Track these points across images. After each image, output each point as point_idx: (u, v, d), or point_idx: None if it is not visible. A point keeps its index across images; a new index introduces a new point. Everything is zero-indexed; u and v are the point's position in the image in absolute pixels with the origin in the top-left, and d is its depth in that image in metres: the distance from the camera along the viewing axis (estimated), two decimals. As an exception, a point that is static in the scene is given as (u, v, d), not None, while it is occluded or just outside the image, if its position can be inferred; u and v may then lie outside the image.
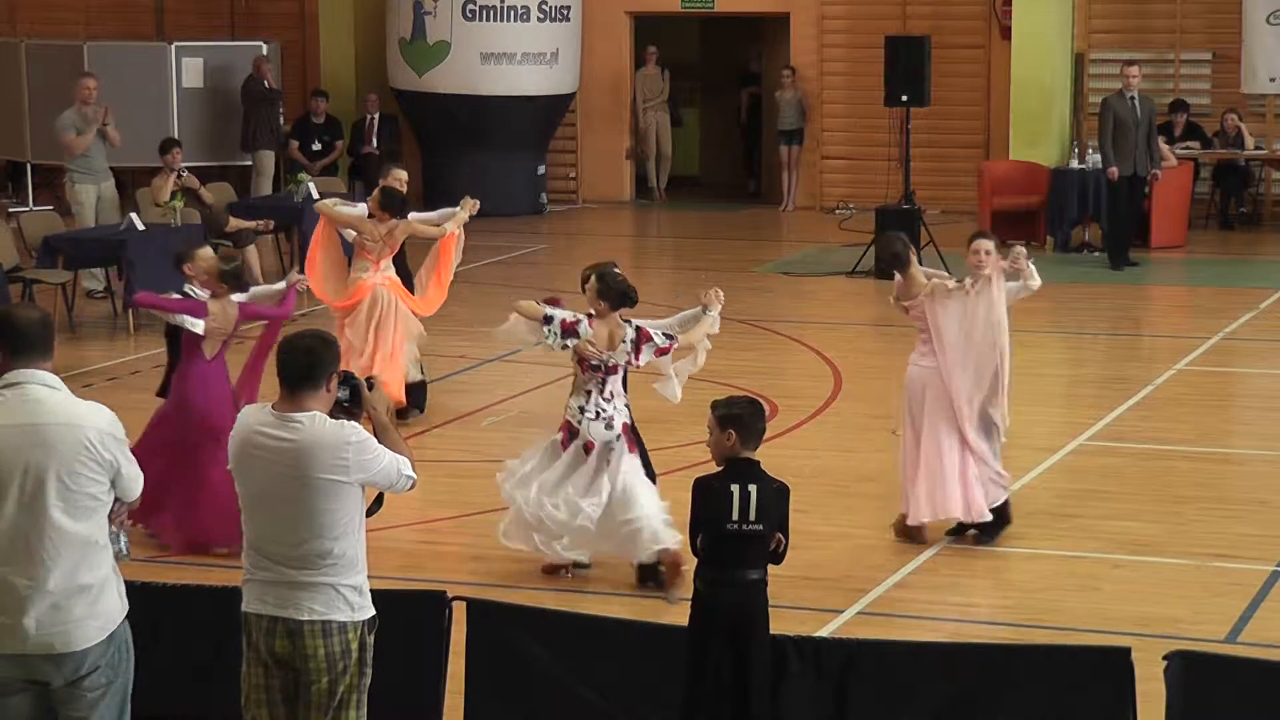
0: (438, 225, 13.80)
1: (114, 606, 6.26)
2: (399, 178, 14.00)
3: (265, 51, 23.47)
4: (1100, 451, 12.83)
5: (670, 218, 25.05)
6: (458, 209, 13.88)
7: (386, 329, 13.28)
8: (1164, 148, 21.40)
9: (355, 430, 6.36)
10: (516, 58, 23.94)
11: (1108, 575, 10.24)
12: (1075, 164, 21.70)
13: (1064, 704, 7.18)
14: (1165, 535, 10.93)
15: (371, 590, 6.43)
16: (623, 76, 25.78)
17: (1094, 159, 21.22)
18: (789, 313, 18.07)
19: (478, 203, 14.03)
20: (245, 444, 6.41)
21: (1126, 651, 7.15)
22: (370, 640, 6.44)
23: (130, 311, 16.90)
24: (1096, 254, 21.09)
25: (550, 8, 24.14)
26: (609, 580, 10.08)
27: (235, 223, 18.77)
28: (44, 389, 6.19)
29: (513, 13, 23.89)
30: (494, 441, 12.95)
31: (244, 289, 10.87)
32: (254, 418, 6.42)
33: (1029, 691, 7.25)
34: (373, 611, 6.43)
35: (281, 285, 11.31)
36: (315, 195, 19.79)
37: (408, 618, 7.55)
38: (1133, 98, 20.46)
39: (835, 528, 10.88)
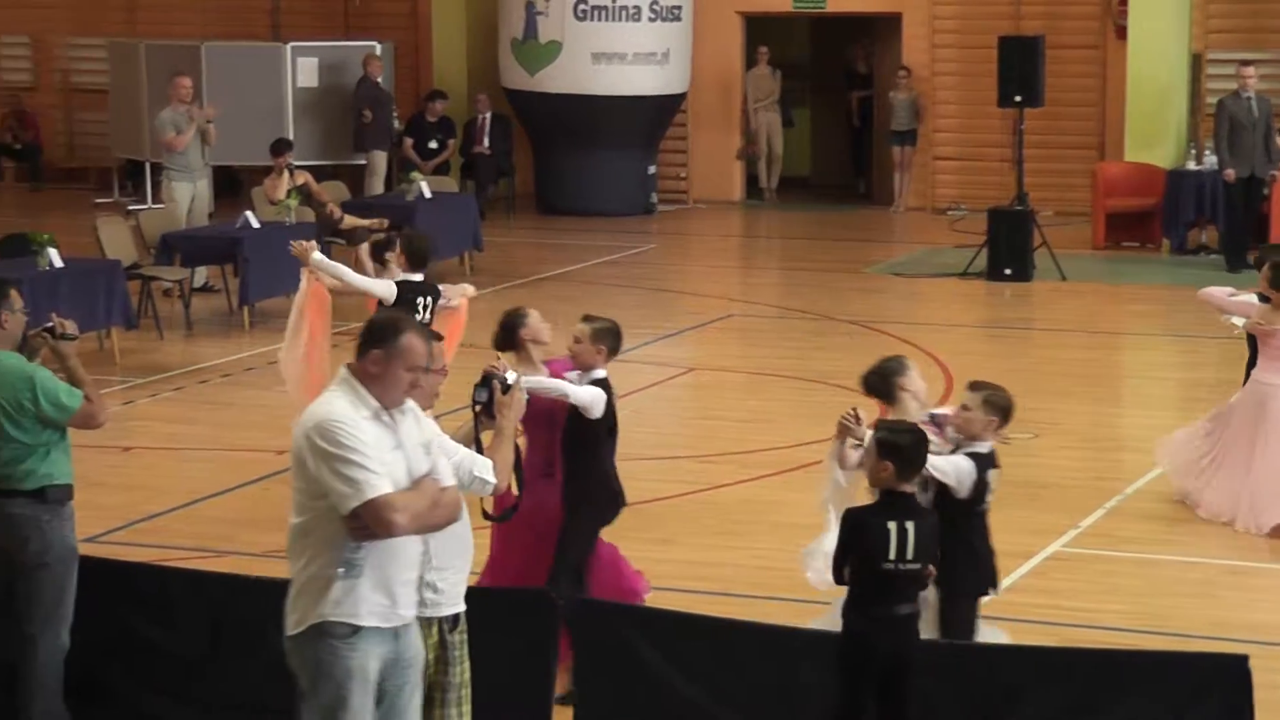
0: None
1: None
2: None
3: (378, 51, 23.64)
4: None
5: (780, 218, 25.00)
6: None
7: None
8: (1287, 147, 21.16)
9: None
10: (628, 58, 23.97)
11: (1225, 581, 10.13)
12: (1191, 165, 21.47)
13: (1179, 712, 7.10)
14: (1282, 541, 10.79)
15: (478, 590, 6.48)
16: (733, 76, 25.75)
17: (1210, 160, 20.98)
18: (900, 314, 17.99)
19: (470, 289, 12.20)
20: None
21: (1244, 659, 7.06)
22: (455, 638, 6.52)
23: (245, 308, 17.08)
24: (1213, 256, 20.85)
25: (661, 7, 24.15)
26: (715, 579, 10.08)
27: (350, 221, 18.93)
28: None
29: (624, 12, 23.92)
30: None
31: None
32: None
33: (1142, 699, 7.17)
34: (456, 609, 6.53)
35: None
36: (428, 194, 19.97)
37: (512, 619, 7.56)
38: (1249, 98, 20.21)
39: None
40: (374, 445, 6.03)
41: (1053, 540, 10.66)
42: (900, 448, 6.99)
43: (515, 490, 6.95)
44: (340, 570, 6.06)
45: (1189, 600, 9.81)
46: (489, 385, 6.57)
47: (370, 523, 6.00)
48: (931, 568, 7.04)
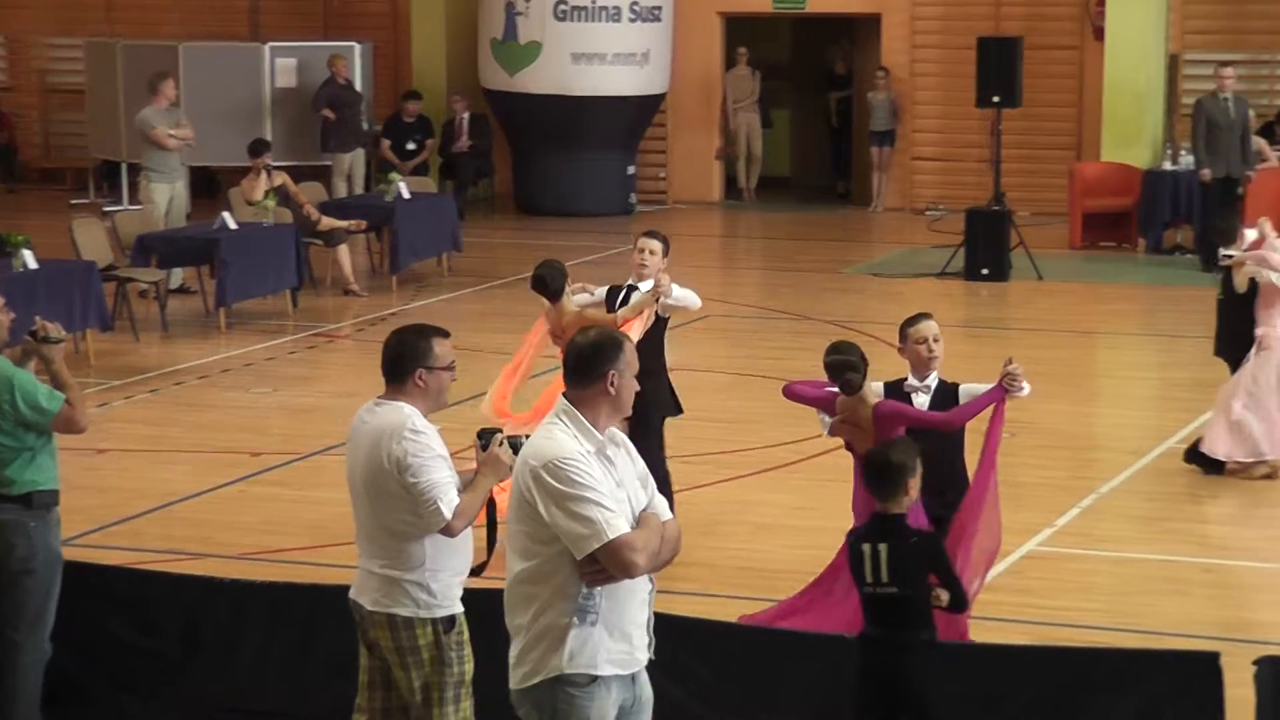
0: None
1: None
2: (644, 248, 10.55)
3: (357, 52, 23.62)
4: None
5: (759, 219, 25.02)
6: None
7: None
8: (1264, 146, 21.23)
9: (415, 423, 6.43)
10: (608, 58, 23.98)
11: (1197, 580, 10.16)
12: (1168, 166, 21.54)
13: (1151, 709, 7.13)
14: (1255, 539, 10.84)
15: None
16: (713, 77, 25.77)
17: (1187, 161, 21.04)
18: (879, 314, 17.98)
19: (668, 283, 10.41)
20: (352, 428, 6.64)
21: (1215, 656, 7.09)
22: (451, 639, 6.49)
23: (221, 310, 17.06)
24: (1188, 256, 20.91)
25: (641, 8, 24.17)
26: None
27: (328, 222, 18.91)
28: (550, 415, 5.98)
29: (604, 13, 23.93)
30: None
31: (847, 391, 8.33)
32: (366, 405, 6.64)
33: (1116, 696, 7.20)
34: (450, 610, 6.49)
35: (984, 387, 8.49)
36: (406, 195, 19.95)
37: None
38: (1227, 99, 20.27)
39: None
40: (604, 482, 5.75)
41: (1029, 539, 10.68)
42: (868, 475, 6.98)
43: (486, 554, 6.82)
44: (575, 619, 5.77)
45: (1163, 598, 9.85)
46: (483, 439, 6.51)
47: (610, 565, 5.71)
48: (942, 594, 6.95)
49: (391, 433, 6.42)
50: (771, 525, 11.23)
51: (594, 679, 5.81)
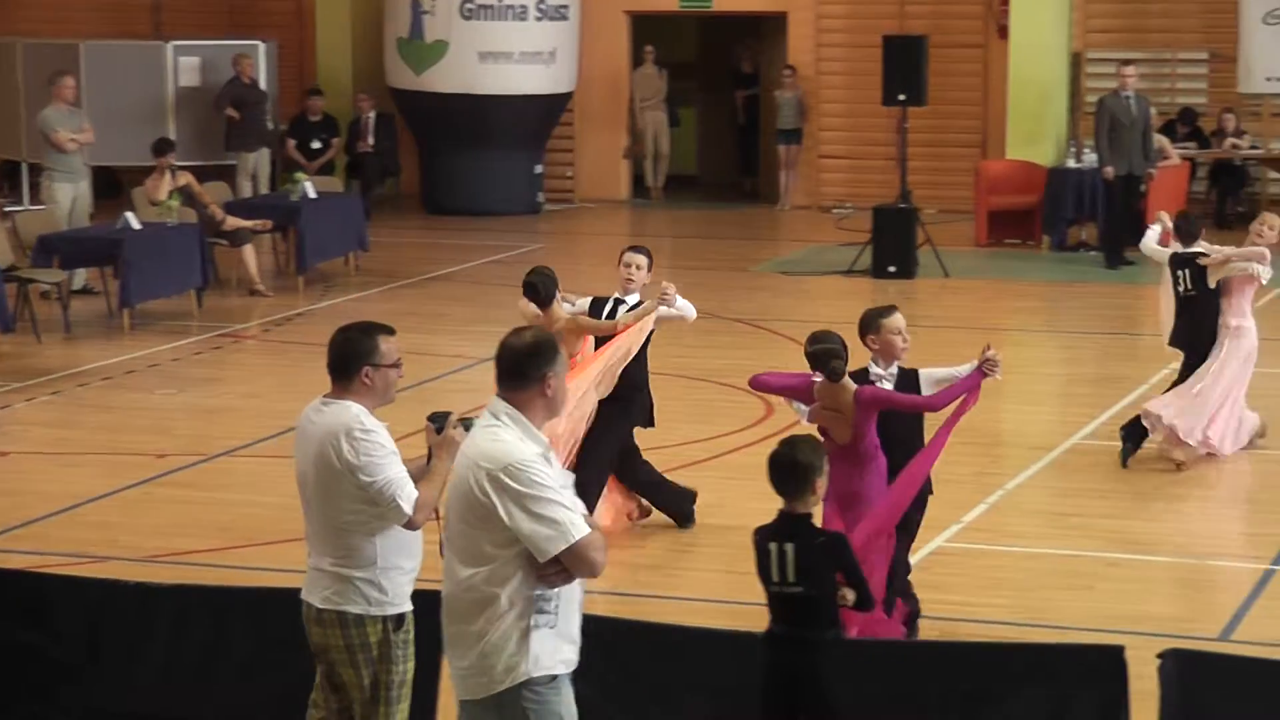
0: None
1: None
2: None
3: (261, 51, 23.45)
4: (1095, 450, 12.82)
5: (667, 217, 25.04)
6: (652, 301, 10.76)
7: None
8: (1166, 144, 21.46)
9: (364, 421, 6.39)
10: (514, 56, 23.94)
11: (1102, 574, 10.24)
12: (1072, 163, 21.72)
13: (1058, 703, 7.16)
14: (1160, 534, 10.94)
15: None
16: (620, 75, 25.78)
17: (1090, 158, 21.23)
18: (787, 312, 18.06)
19: (672, 291, 10.72)
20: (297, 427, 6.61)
21: (1120, 650, 7.14)
22: (399, 637, 6.48)
23: (125, 311, 16.90)
24: (1092, 253, 21.10)
25: (548, 7, 24.13)
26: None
27: (233, 221, 18.77)
28: (489, 417, 5.85)
29: (510, 12, 23.89)
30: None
31: (832, 377, 8.60)
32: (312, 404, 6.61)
33: (1023, 691, 7.23)
34: (401, 609, 6.48)
35: (964, 369, 8.83)
36: (312, 194, 19.83)
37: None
38: (1129, 97, 20.47)
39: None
40: (557, 483, 5.71)
41: (936, 535, 10.73)
42: (772, 474, 6.94)
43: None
44: (535, 621, 5.71)
45: (1069, 593, 9.92)
46: (437, 420, 6.47)
47: (574, 565, 5.67)
48: (848, 593, 6.95)
49: (341, 432, 6.40)
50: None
51: (554, 678, 5.80)
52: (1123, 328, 17.91)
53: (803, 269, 20.43)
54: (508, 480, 5.65)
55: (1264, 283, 12.36)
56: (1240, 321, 12.26)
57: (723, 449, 12.40)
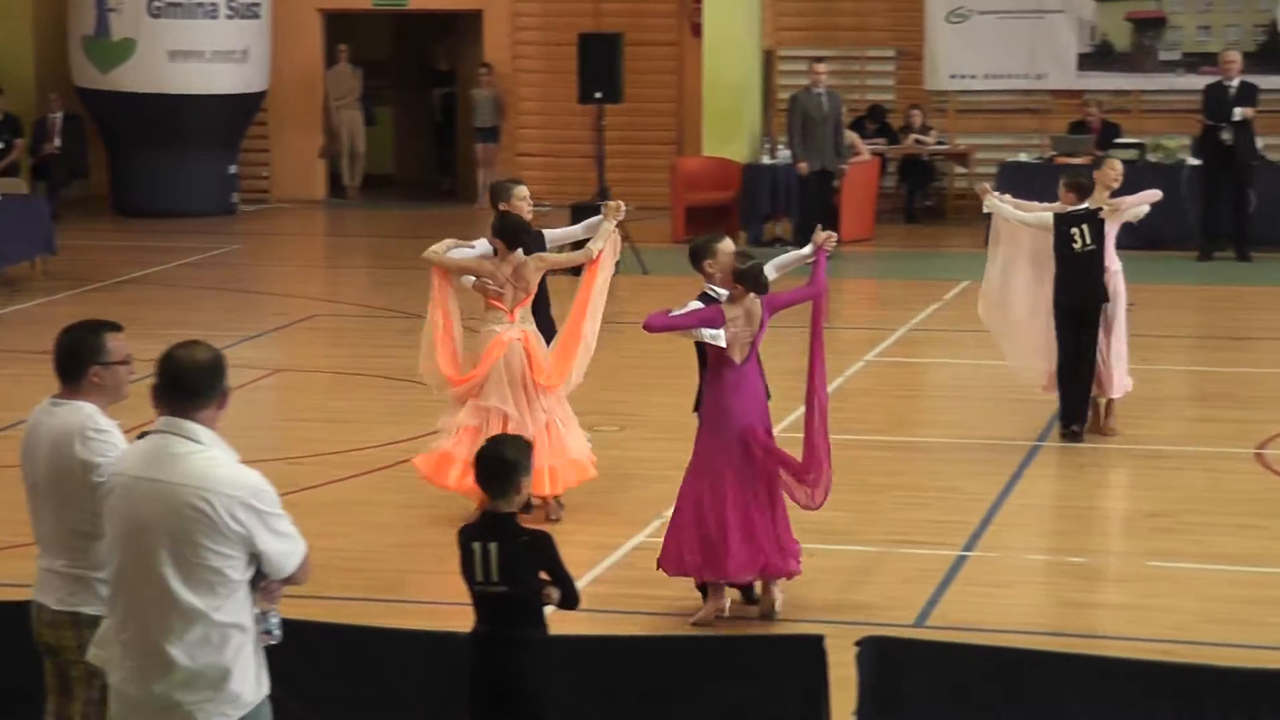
0: (580, 248, 11.43)
1: (246, 689, 5.66)
2: (520, 196, 11.33)
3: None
4: (791, 443, 12.95)
5: (364, 216, 24.84)
6: (600, 217, 11.36)
7: (535, 399, 10.95)
8: (857, 140, 21.91)
9: (97, 421, 6.27)
10: (206, 55, 23.53)
11: (802, 563, 10.37)
12: (766, 160, 22.07)
13: (760, 692, 7.26)
14: (856, 523, 11.13)
15: None
16: (314, 74, 25.49)
17: (784, 154, 21.59)
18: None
19: (621, 204, 11.50)
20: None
21: (819, 639, 7.25)
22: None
23: None
24: (788, 248, 21.38)
25: (239, 4, 23.77)
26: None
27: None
28: (185, 442, 5.64)
29: (201, 9, 23.48)
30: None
31: (763, 290, 9.31)
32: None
33: (724, 682, 7.31)
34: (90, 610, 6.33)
35: (805, 250, 9.73)
36: (-5, 197, 19.24)
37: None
38: (820, 94, 20.85)
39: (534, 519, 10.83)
40: None
41: (640, 530, 10.81)
42: (478, 470, 6.91)
43: None
44: (260, 641, 5.67)
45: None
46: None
47: (302, 576, 5.73)
48: (553, 592, 6.91)
49: (74, 434, 6.25)
50: (384, 524, 11.14)
51: (264, 699, 5.78)
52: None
53: (503, 267, 20.36)
54: (259, 504, 5.58)
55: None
56: (1115, 265, 12.85)
57: (420, 450, 12.31)
